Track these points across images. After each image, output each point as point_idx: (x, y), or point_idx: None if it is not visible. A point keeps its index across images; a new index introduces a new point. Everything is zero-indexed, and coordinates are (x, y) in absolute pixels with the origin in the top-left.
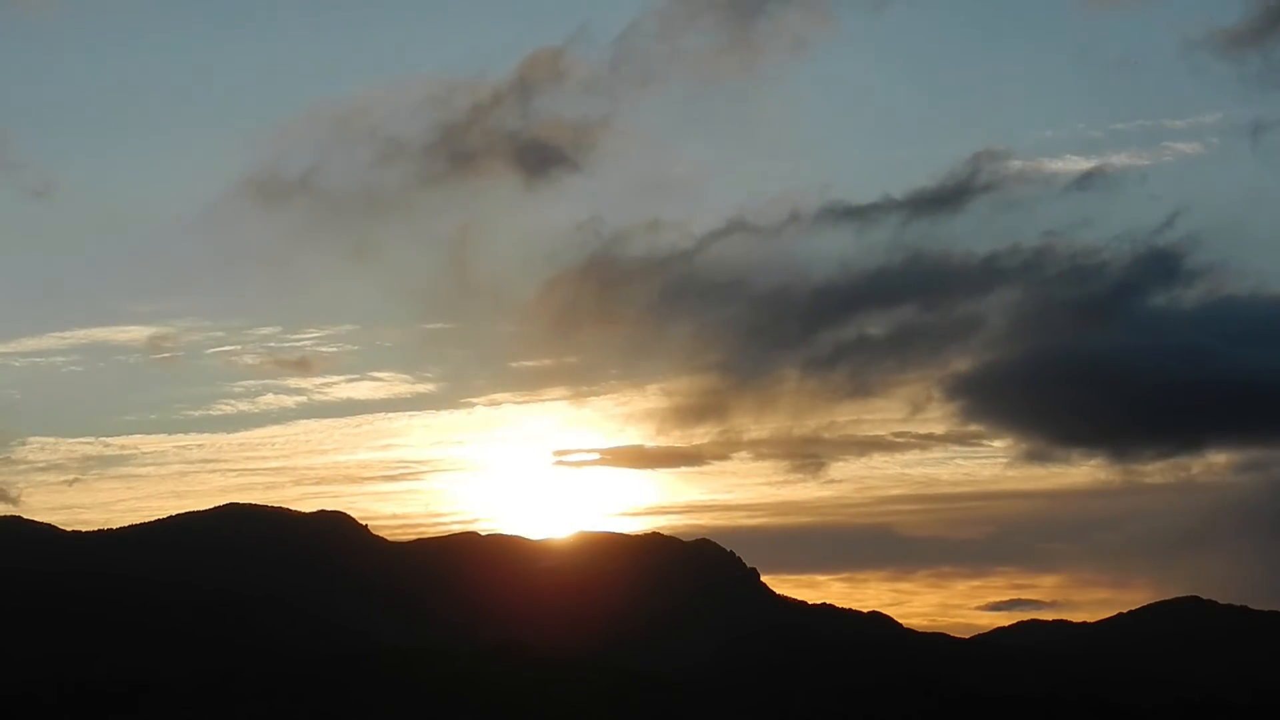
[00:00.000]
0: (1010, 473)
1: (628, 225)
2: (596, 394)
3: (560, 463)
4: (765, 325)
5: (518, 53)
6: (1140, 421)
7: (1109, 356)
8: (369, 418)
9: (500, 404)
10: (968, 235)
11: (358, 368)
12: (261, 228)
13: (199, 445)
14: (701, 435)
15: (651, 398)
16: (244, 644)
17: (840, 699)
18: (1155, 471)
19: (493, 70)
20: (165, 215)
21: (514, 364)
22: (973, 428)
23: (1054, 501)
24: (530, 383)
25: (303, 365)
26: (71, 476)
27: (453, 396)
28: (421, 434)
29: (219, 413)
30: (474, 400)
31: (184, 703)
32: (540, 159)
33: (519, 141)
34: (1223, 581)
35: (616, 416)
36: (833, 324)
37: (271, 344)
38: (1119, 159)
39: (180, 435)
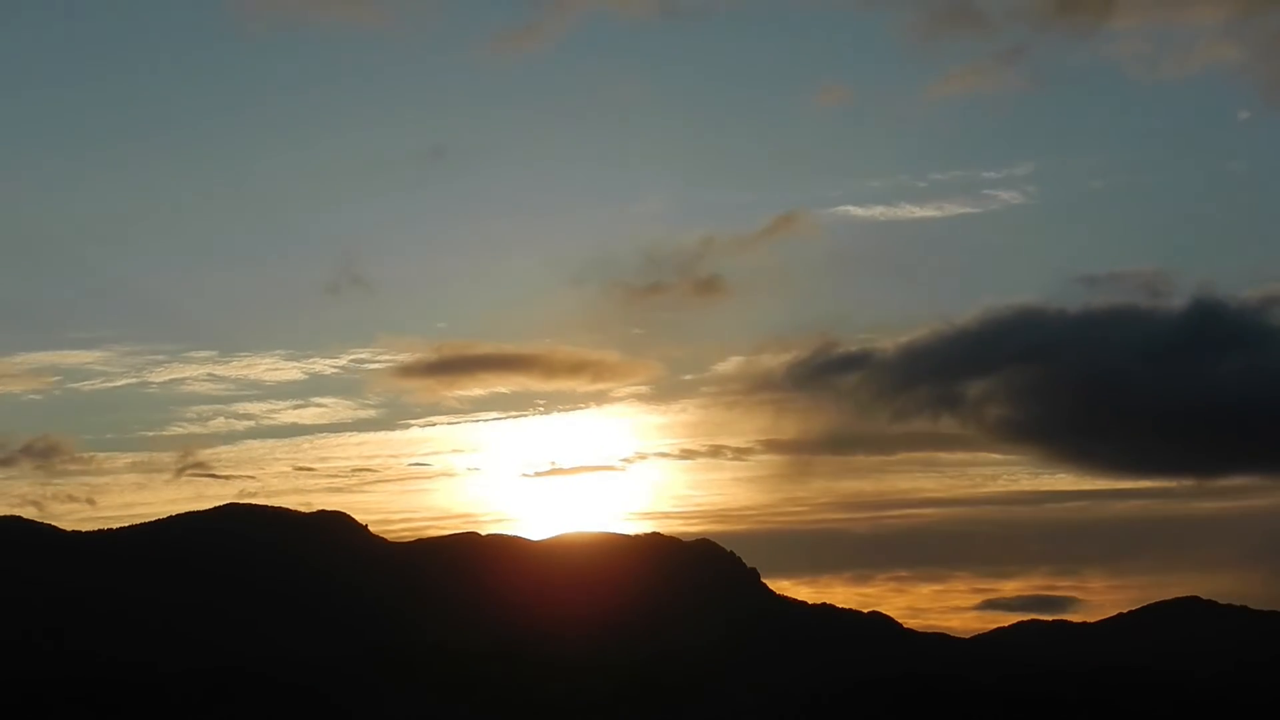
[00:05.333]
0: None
1: (779, 336)
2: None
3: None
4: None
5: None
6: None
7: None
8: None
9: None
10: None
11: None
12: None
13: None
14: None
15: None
16: (244, 644)
17: (840, 698)
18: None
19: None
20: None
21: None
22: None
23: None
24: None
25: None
26: None
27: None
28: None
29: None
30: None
31: (183, 702)
32: (712, 286)
33: (701, 273)
34: (1223, 583)
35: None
36: (914, 384)
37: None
38: None
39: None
